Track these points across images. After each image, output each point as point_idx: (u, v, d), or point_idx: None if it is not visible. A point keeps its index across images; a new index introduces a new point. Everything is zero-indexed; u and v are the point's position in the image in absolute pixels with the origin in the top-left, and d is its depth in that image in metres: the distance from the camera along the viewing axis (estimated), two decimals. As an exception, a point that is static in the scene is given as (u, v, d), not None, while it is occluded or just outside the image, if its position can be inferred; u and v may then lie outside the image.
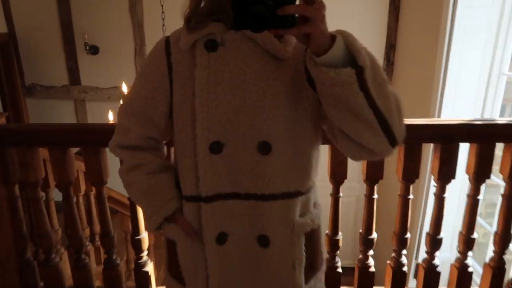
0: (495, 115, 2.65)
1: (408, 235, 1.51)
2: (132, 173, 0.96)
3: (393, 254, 1.56)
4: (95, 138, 1.42)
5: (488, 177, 1.42)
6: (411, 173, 1.42)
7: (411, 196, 1.46)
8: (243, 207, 0.86)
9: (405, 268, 1.55)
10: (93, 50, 3.83)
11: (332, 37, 0.68)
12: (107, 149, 1.46)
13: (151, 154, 0.98)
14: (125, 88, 2.12)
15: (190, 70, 0.84)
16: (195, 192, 0.88)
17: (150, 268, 1.62)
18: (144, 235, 1.57)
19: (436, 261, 1.54)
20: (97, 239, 2.45)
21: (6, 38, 3.80)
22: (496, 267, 1.52)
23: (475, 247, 1.53)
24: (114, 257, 1.61)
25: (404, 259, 1.55)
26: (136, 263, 1.59)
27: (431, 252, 1.53)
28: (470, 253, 1.53)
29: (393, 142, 0.76)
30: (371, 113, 0.71)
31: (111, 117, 2.15)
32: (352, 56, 0.69)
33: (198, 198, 0.87)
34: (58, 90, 4.02)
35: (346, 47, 0.69)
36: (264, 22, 0.64)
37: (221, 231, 0.88)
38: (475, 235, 1.50)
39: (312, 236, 0.94)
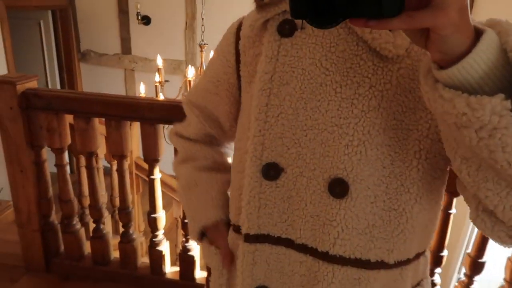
0: None
1: (445, 252, 1.33)
2: (182, 166, 0.81)
3: (425, 271, 1.39)
4: (117, 110, 1.39)
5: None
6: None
7: (453, 211, 1.27)
8: (296, 263, 0.61)
9: (437, 288, 1.38)
10: (145, 20, 3.85)
11: (477, 33, 0.38)
12: (129, 122, 1.43)
13: (210, 148, 0.80)
14: (159, 61, 2.07)
15: (257, 61, 0.61)
16: (237, 222, 0.66)
17: (164, 247, 1.58)
18: (161, 214, 1.54)
19: (475, 286, 1.35)
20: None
21: (65, 3, 3.93)
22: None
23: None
24: (131, 232, 1.60)
25: (437, 278, 1.38)
26: (150, 241, 1.57)
27: (470, 276, 1.34)
28: (518, 283, 1.33)
29: None
30: None
31: (142, 89, 2.11)
32: None
33: (239, 230, 0.65)
34: (110, 58, 4.12)
35: (503, 54, 0.38)
36: (337, 7, 0.35)
37: (260, 285, 0.64)
38: (527, 264, 1.29)
39: None
